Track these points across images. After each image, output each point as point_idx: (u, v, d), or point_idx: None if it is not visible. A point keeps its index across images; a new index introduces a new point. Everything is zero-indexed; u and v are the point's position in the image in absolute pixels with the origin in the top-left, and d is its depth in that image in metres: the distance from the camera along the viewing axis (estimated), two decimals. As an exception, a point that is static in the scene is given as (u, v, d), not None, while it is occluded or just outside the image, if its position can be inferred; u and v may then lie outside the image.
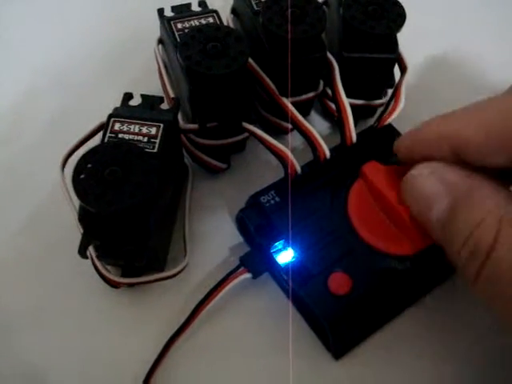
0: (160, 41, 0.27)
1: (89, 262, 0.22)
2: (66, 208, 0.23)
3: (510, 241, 0.15)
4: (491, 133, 0.17)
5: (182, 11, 0.26)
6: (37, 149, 0.29)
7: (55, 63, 0.33)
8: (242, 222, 0.25)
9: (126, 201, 0.19)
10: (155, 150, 0.22)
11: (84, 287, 0.24)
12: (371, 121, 0.29)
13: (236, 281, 0.23)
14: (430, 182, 0.18)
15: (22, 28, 0.35)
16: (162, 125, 0.22)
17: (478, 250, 0.16)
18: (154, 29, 0.28)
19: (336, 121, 0.25)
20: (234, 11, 0.29)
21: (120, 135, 0.22)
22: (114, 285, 0.23)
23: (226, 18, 0.28)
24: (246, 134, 0.25)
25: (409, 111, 0.26)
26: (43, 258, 0.25)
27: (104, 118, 0.23)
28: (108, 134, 0.22)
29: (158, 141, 0.22)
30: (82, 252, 0.21)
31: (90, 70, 0.32)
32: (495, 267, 0.15)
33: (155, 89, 0.29)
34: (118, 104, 0.24)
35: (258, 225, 0.23)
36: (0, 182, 0.28)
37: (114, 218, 0.20)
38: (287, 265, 0.23)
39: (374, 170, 0.22)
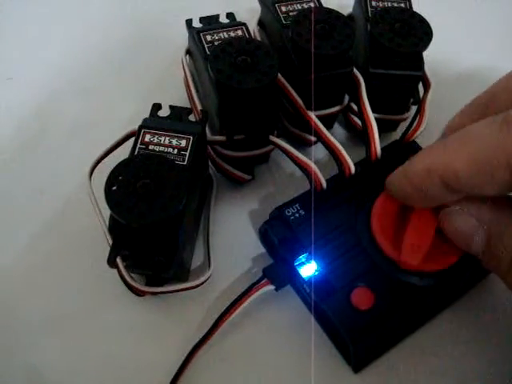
0: (187, 51, 0.27)
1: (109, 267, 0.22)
2: (90, 214, 0.23)
3: None
4: (480, 165, 0.17)
5: (210, 23, 0.27)
6: (60, 153, 0.29)
7: (79, 68, 0.33)
8: (266, 234, 0.25)
9: (158, 214, 0.19)
10: (185, 163, 0.22)
11: (107, 294, 0.25)
12: (393, 134, 0.30)
13: (259, 292, 0.23)
14: (463, 218, 0.20)
15: (46, 31, 0.35)
16: (191, 137, 0.22)
17: None
18: (177, 36, 0.28)
19: (361, 136, 0.25)
20: (260, 23, 0.29)
21: (150, 147, 0.22)
22: (138, 293, 0.23)
23: (253, 29, 0.29)
24: (271, 147, 0.26)
25: (432, 127, 0.27)
26: (66, 263, 0.25)
27: (127, 123, 0.23)
28: (139, 146, 0.22)
29: (187, 153, 0.22)
30: (111, 262, 0.21)
31: (112, 75, 0.33)
32: None
33: (177, 96, 0.29)
34: (139, 110, 0.24)
35: (282, 237, 0.24)
36: (25, 185, 0.28)
37: (144, 229, 0.20)
38: (310, 278, 0.23)
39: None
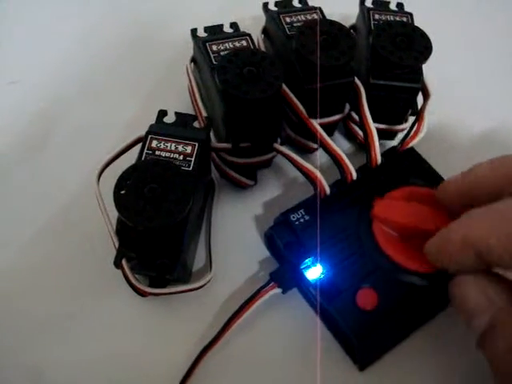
0: (193, 59, 0.28)
1: (112, 265, 0.22)
2: (95, 215, 0.23)
3: None
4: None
5: (215, 32, 0.27)
6: (65, 155, 0.30)
7: (83, 71, 0.33)
8: (271, 239, 0.26)
9: (165, 218, 0.20)
10: (190, 169, 0.22)
11: (110, 294, 0.25)
12: (390, 143, 0.30)
13: (267, 295, 0.24)
14: (474, 293, 0.20)
15: (50, 35, 0.35)
16: (196, 144, 0.23)
17: None
18: (180, 41, 0.28)
19: (361, 143, 0.26)
20: (265, 31, 0.30)
21: (157, 152, 0.23)
22: (142, 294, 0.23)
23: (257, 37, 0.29)
24: (275, 153, 0.26)
25: (430, 135, 0.28)
26: (70, 263, 0.26)
27: (130, 128, 0.24)
28: (145, 151, 0.23)
29: (193, 159, 0.23)
30: (118, 263, 0.22)
31: (116, 79, 0.33)
32: None
33: (179, 101, 0.30)
34: (142, 114, 0.25)
35: (287, 242, 0.24)
36: (30, 187, 0.28)
37: (150, 232, 0.21)
38: (316, 281, 0.24)
39: (382, 209, 0.24)
